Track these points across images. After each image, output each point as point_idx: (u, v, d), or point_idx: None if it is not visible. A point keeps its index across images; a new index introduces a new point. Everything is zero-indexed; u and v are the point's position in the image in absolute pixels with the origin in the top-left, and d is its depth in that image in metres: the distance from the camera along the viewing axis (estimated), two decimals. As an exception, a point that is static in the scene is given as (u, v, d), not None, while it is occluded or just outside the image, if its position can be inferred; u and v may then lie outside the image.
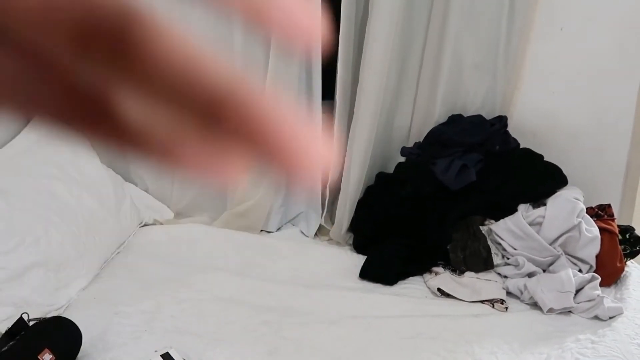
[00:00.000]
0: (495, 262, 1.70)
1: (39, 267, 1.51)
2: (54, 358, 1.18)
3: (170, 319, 1.49)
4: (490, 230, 1.76)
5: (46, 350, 1.18)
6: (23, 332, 1.25)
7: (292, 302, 1.59)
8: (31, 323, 1.31)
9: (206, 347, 1.36)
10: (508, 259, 1.70)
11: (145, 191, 2.16)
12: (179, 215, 2.16)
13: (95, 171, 1.93)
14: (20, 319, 1.32)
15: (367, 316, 1.53)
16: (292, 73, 1.90)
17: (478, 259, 1.69)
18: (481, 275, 1.68)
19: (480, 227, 1.78)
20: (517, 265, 1.67)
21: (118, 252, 1.85)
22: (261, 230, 2.10)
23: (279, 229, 2.13)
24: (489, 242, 1.73)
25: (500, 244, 1.72)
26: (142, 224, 2.06)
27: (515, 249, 1.69)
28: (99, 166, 1.96)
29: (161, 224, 2.10)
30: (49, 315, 1.41)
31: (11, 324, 1.32)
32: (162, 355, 1.31)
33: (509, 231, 1.71)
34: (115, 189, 1.98)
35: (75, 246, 1.65)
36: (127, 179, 2.14)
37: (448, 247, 1.76)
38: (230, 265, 1.81)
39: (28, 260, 1.49)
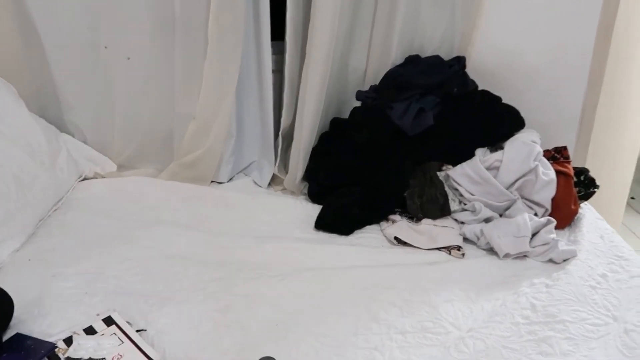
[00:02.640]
0: (452, 208, 1.67)
1: (-37, 229, 1.38)
2: (-20, 329, 1.08)
3: (113, 279, 1.39)
4: (448, 175, 1.71)
5: (-31, 321, 1.07)
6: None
7: (244, 256, 1.52)
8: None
9: (152, 308, 1.28)
10: (465, 204, 1.67)
11: (84, 142, 2.00)
12: (122, 167, 2.03)
13: (24, 121, 1.75)
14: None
15: (322, 268, 1.47)
16: (237, 12, 1.74)
17: (435, 205, 1.66)
18: (438, 221, 1.65)
19: (438, 172, 1.74)
20: (474, 211, 1.64)
21: (55, 209, 1.72)
22: (211, 182, 2.00)
23: (230, 179, 2.03)
24: (446, 188, 1.69)
25: (457, 189, 1.69)
26: (81, 178, 1.92)
27: (472, 195, 1.66)
28: (27, 115, 1.78)
29: (103, 177, 1.96)
30: (-25, 282, 1.29)
31: None
32: (103, 320, 1.23)
33: (466, 176, 1.67)
34: (49, 140, 1.81)
35: (4, 205, 1.51)
36: (63, 129, 1.98)
37: (405, 194, 1.71)
38: (178, 219, 1.72)
39: (-52, 222, 1.36)
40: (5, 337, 1.17)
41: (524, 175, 1.64)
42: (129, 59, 1.86)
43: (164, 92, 1.92)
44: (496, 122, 1.78)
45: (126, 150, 2.01)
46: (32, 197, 1.62)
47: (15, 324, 1.22)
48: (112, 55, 1.85)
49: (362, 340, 1.21)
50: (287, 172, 1.94)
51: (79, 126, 1.98)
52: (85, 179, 1.93)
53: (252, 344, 1.18)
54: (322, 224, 1.67)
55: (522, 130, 1.79)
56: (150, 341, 1.18)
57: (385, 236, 1.64)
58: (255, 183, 2.01)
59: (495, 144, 1.76)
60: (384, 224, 1.69)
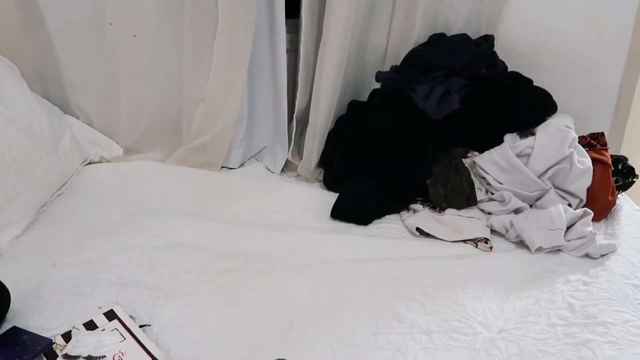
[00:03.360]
0: (478, 198, 1.56)
1: (-41, 215, 1.31)
2: (-30, 323, 1.00)
3: (117, 269, 1.31)
4: (474, 163, 1.60)
5: (-41, 314, 1.00)
6: None
7: (256, 247, 1.42)
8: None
9: (156, 302, 1.20)
10: (492, 194, 1.56)
11: (89, 125, 1.92)
12: (128, 151, 1.94)
13: (25, 102, 1.66)
14: None
15: (339, 260, 1.38)
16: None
17: (460, 194, 1.54)
18: (463, 212, 1.54)
19: (463, 159, 1.62)
20: (502, 201, 1.53)
21: (58, 195, 1.64)
22: (222, 167, 1.90)
23: (241, 165, 1.93)
24: (472, 176, 1.58)
25: (484, 177, 1.57)
26: (86, 162, 1.84)
27: (500, 183, 1.55)
28: (29, 96, 1.69)
29: (108, 161, 1.88)
30: (-29, 270, 1.22)
31: None
32: (105, 314, 1.15)
33: (495, 164, 1.55)
34: (52, 122, 1.73)
35: (3, 189, 1.43)
36: (67, 111, 1.89)
37: (428, 182, 1.60)
38: (186, 206, 1.63)
39: (-56, 206, 1.28)
40: (1, 331, 1.10)
41: (557, 163, 1.52)
42: (135, 36, 1.76)
43: (173, 72, 1.82)
44: (527, 105, 1.66)
45: (133, 133, 1.93)
46: (33, 181, 1.54)
47: (12, 316, 1.14)
48: (118, 32, 1.75)
49: (383, 340, 1.12)
50: (301, 158, 1.84)
51: (83, 108, 1.90)
52: (90, 163, 1.85)
53: (263, 343, 1.10)
54: (339, 213, 1.57)
55: (554, 115, 1.67)
56: (154, 338, 1.10)
57: (407, 227, 1.53)
58: (268, 169, 1.91)
59: (526, 130, 1.64)
60: (404, 213, 1.58)
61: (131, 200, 1.66)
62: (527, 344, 1.09)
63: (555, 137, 1.54)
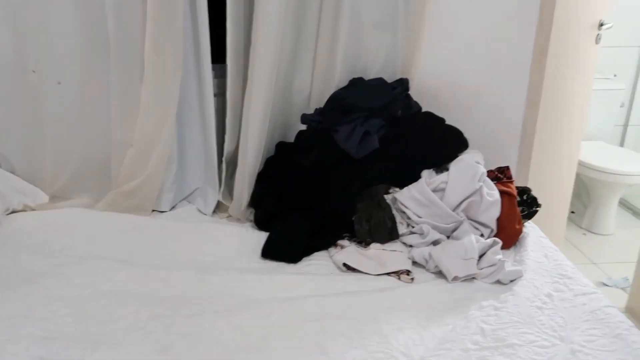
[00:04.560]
0: (400, 232, 1.65)
1: None
2: None
3: (41, 322, 1.28)
4: (395, 198, 1.70)
5: None
6: None
7: (187, 291, 1.44)
8: None
9: (83, 353, 1.18)
10: (413, 227, 1.66)
11: (12, 172, 1.87)
12: (55, 198, 1.91)
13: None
14: None
15: (270, 300, 1.41)
16: (175, 34, 1.68)
17: (383, 229, 1.63)
18: (387, 246, 1.62)
19: (385, 195, 1.72)
20: (422, 234, 1.63)
21: (-22, 247, 1.58)
22: (153, 211, 1.90)
23: (173, 207, 1.94)
24: (394, 211, 1.68)
25: (404, 212, 1.67)
26: (8, 212, 1.78)
27: (419, 217, 1.65)
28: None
29: (33, 209, 1.83)
30: None
31: None
32: (29, 370, 1.12)
33: (413, 199, 1.66)
34: (-29, 172, 1.69)
35: None
36: (-13, 159, 1.84)
37: (353, 219, 1.68)
38: (116, 253, 1.61)
39: None
40: None
41: (469, 196, 1.64)
42: (59, 83, 1.76)
43: (100, 117, 1.83)
44: (440, 143, 1.79)
45: (59, 179, 1.90)
46: (-49, 234, 1.49)
47: None
48: (42, 79, 1.74)
49: (311, 376, 1.16)
50: (232, 199, 1.88)
51: (5, 155, 1.86)
52: (13, 212, 1.80)
53: None
54: (269, 252, 1.61)
55: (466, 151, 1.81)
56: (81, 392, 1.09)
57: (334, 262, 1.60)
58: (200, 211, 1.93)
59: (441, 165, 1.77)
60: (332, 250, 1.65)
61: (57, 248, 1.63)
62: (444, 370, 1.17)
63: (467, 172, 1.67)
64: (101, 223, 1.78)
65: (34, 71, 1.72)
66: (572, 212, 3.08)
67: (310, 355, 1.22)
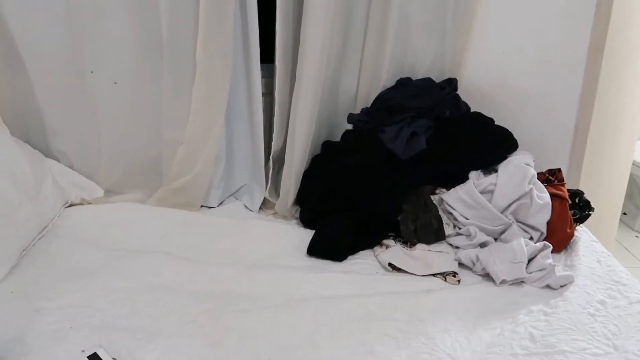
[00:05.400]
0: (447, 233, 1.64)
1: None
2: (-44, 373, 1.03)
3: (99, 313, 1.34)
4: (442, 199, 1.69)
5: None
6: None
7: (235, 287, 1.47)
8: None
9: (139, 344, 1.23)
10: (460, 228, 1.64)
11: (70, 167, 1.96)
12: (109, 192, 1.98)
13: (6, 148, 1.71)
14: None
15: (316, 298, 1.43)
16: (225, 37, 1.72)
17: (429, 230, 1.63)
18: (433, 246, 1.62)
19: (432, 196, 1.71)
20: (469, 235, 1.61)
21: (40, 238, 1.67)
22: (201, 206, 1.96)
23: (220, 203, 1.99)
24: (440, 212, 1.67)
25: (451, 213, 1.66)
26: (67, 205, 1.87)
27: (467, 219, 1.64)
28: (11, 142, 1.74)
29: (89, 203, 1.92)
30: (-46, 319, 1.24)
31: None
32: (89, 357, 1.18)
33: (461, 200, 1.64)
34: (33, 166, 1.77)
35: (-14, 236, 1.46)
36: (48, 154, 1.93)
37: (399, 219, 1.68)
38: (167, 247, 1.67)
39: None
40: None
41: (518, 199, 1.61)
42: (115, 83, 1.83)
43: (152, 117, 1.89)
44: (489, 144, 1.77)
45: (113, 175, 1.97)
46: (15, 226, 1.57)
47: (-7, 364, 1.17)
48: (99, 80, 1.81)
49: (358, 375, 1.17)
50: (278, 196, 1.91)
51: (64, 152, 1.94)
52: (71, 205, 1.89)
53: None
54: (315, 250, 1.63)
55: (515, 152, 1.78)
56: (137, 380, 1.14)
57: (380, 262, 1.60)
58: (246, 207, 1.97)
59: (489, 167, 1.74)
60: (377, 249, 1.65)
61: (112, 242, 1.70)
62: (492, 374, 1.16)
63: (516, 174, 1.64)
64: (152, 218, 1.84)
65: (92, 72, 1.80)
66: (624, 213, 2.97)
67: (356, 354, 1.23)
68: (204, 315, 1.34)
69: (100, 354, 1.19)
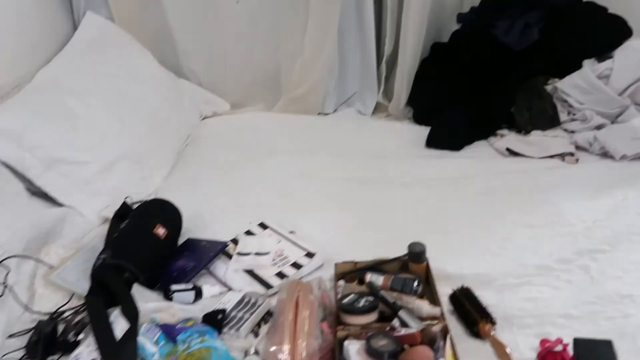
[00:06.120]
0: (561, 119, 1.70)
1: (124, 160, 1.59)
2: (166, 232, 1.28)
3: (254, 196, 1.56)
4: (555, 88, 1.74)
5: (158, 225, 1.27)
6: (132, 213, 1.34)
7: (366, 173, 1.64)
8: (134, 207, 1.40)
9: (296, 216, 1.43)
10: (574, 114, 1.70)
11: (199, 85, 2.17)
12: (234, 106, 2.18)
13: (153, 69, 1.94)
14: (124, 204, 1.41)
15: (442, 178, 1.58)
16: None
17: (544, 117, 1.70)
18: (548, 132, 1.70)
19: (545, 87, 1.77)
20: (584, 120, 1.67)
21: (186, 145, 1.90)
22: (318, 113, 2.12)
23: (335, 110, 2.15)
24: (555, 100, 1.73)
25: (566, 100, 1.72)
26: (202, 117, 2.10)
27: (582, 104, 1.69)
28: (155, 63, 1.97)
29: (220, 115, 2.14)
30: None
31: (113, 210, 1.42)
32: (259, 225, 1.40)
33: (576, 86, 1.69)
34: (174, 84, 2.01)
35: (151, 139, 1.71)
36: (180, 74, 2.15)
37: (512, 110, 1.76)
38: (297, 146, 1.86)
39: (113, 154, 1.57)
40: (179, 243, 1.37)
41: (637, 81, 1.64)
42: (237, 2, 1.98)
43: (271, 33, 2.04)
44: (603, 32, 1.77)
45: (238, 90, 2.17)
46: (168, 134, 1.82)
47: (184, 232, 1.41)
48: (222, 0, 1.97)
49: (491, 233, 1.31)
50: (390, 99, 2.03)
51: (194, 70, 2.15)
52: (205, 118, 2.11)
53: (391, 241, 1.29)
54: (433, 141, 1.76)
55: (630, 39, 1.77)
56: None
57: (496, 149, 1.71)
58: (359, 112, 2.11)
59: (603, 54, 1.76)
60: (492, 138, 1.75)
61: (245, 145, 1.90)
62: (620, 229, 1.27)
63: (635, 56, 1.66)
64: (278, 124, 2.04)
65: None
66: None
67: (486, 219, 1.37)
68: (346, 194, 1.53)
69: (267, 222, 1.40)
